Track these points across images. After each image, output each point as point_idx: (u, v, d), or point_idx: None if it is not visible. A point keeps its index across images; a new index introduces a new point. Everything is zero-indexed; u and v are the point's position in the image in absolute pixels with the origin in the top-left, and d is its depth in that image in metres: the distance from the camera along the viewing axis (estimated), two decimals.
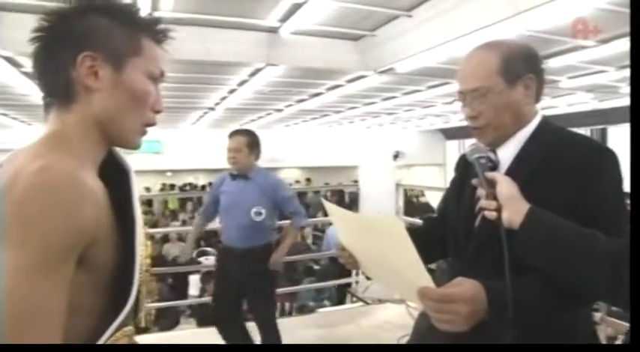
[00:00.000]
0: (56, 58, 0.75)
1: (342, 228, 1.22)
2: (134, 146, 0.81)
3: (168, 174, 15.52)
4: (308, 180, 16.37)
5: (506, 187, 0.98)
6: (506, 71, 1.05)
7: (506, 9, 3.78)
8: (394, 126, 15.07)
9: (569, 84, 7.27)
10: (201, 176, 15.39)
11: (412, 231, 0.87)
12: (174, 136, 13.62)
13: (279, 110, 11.17)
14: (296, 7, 4.42)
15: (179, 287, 6.10)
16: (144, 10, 0.82)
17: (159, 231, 7.84)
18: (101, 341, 0.70)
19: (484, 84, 1.05)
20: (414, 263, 0.88)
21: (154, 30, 0.81)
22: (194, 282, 5.99)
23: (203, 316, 4.66)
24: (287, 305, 5.95)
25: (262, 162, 2.97)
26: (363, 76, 6.72)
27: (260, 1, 4.40)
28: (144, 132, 0.82)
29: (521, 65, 1.06)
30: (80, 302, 0.69)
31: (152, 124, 0.82)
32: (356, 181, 13.94)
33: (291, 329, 3.81)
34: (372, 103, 10.21)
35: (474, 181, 1.06)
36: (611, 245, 0.87)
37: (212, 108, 10.63)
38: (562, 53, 5.37)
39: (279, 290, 5.35)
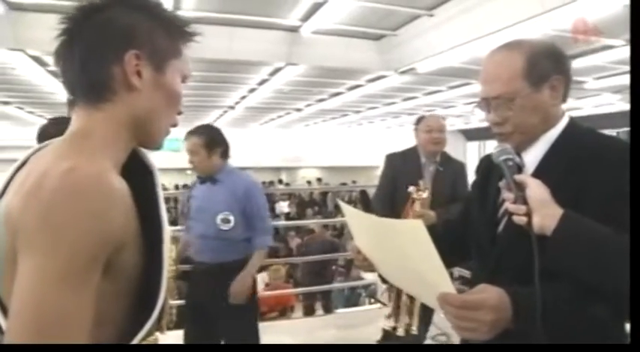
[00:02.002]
0: (100, 54, 0.71)
1: (357, 230, 1.19)
2: (159, 147, 0.80)
3: (188, 172, 15.65)
4: (319, 179, 16.37)
5: (537, 190, 0.93)
6: (532, 73, 0.99)
7: (531, 7, 3.70)
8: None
9: (595, 85, 7.11)
10: None
11: (431, 234, 0.84)
12: None
13: (299, 110, 11.19)
14: (317, 7, 4.41)
15: None
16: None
17: (179, 228, 7.88)
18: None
19: (508, 89, 0.99)
20: (435, 268, 0.85)
21: (186, 32, 0.79)
22: None
23: None
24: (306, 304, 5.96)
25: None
26: (383, 76, 6.69)
27: (281, 0, 4.41)
28: (168, 133, 0.81)
29: (548, 66, 1.00)
30: (103, 312, 0.65)
31: (175, 125, 0.81)
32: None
33: (310, 329, 3.82)
34: (393, 103, 10.16)
35: (501, 184, 1.01)
36: None
37: (232, 107, 10.72)
38: (588, 53, 5.25)
39: (306, 290, 5.37)
